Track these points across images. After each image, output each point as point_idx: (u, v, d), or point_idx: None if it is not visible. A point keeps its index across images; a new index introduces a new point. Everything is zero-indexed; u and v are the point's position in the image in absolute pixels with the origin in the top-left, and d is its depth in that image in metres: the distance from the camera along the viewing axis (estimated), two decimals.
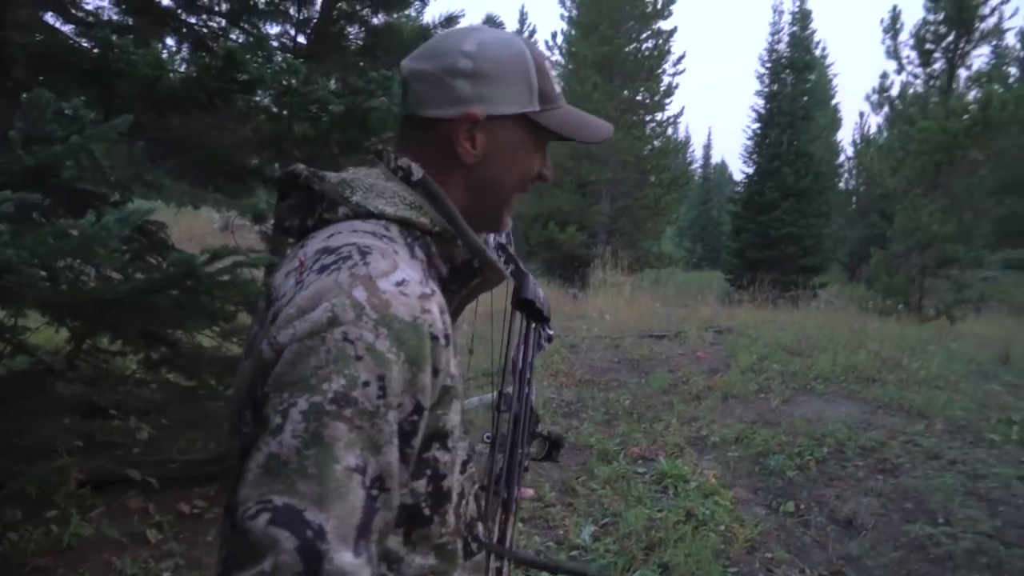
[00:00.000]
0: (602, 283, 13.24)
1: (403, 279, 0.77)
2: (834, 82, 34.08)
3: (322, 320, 0.72)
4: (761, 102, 23.32)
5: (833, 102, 33.84)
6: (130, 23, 3.85)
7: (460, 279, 0.91)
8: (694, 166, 43.40)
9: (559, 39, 23.28)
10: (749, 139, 23.65)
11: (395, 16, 3.69)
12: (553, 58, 23.75)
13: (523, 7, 31.16)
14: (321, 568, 0.65)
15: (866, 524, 3.68)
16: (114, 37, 2.16)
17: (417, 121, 0.90)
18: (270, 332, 0.75)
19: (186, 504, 3.35)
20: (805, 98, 22.23)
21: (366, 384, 0.70)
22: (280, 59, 2.26)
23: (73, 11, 3.56)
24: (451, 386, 0.83)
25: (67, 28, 2.90)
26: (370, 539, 0.71)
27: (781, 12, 24.53)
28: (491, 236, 1.14)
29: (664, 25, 20.96)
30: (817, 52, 28.16)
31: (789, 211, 20.53)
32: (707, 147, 51.55)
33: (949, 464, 4.54)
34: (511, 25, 27.66)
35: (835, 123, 33.37)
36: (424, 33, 3.77)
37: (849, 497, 4.02)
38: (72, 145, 1.79)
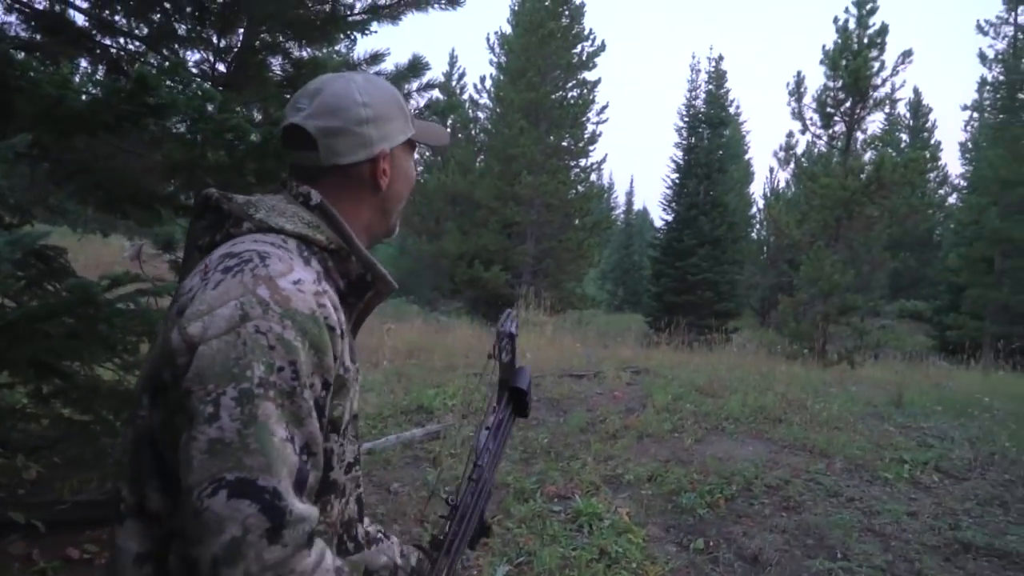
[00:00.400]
0: (524, 322, 13.34)
1: (299, 279, 0.89)
2: (747, 138, 36.32)
3: (234, 316, 0.83)
4: (680, 153, 24.48)
5: (746, 156, 35.94)
6: (39, 40, 3.71)
7: (356, 292, 1.03)
8: (617, 211, 44.84)
9: (488, 83, 23.85)
10: (669, 188, 24.74)
11: (321, 51, 3.70)
12: (481, 101, 24.31)
13: (453, 49, 31.67)
14: (284, 519, 0.78)
15: (771, 560, 3.80)
16: (20, 55, 2.08)
17: (330, 168, 1.03)
18: (180, 322, 0.85)
19: (75, 549, 3.12)
20: (720, 152, 23.47)
21: (280, 369, 0.82)
22: (195, 85, 2.23)
23: None
24: (345, 377, 0.95)
25: None
26: (307, 495, 0.84)
27: (698, 71, 25.91)
28: (509, 324, 1.32)
29: (589, 76, 21.84)
30: (732, 109, 29.93)
31: (705, 258, 21.43)
32: (629, 194, 53.26)
33: (847, 501, 4.76)
34: (441, 67, 28.11)
35: (748, 176, 35.38)
36: (349, 68, 3.79)
37: (755, 534, 4.14)
38: None
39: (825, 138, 16.70)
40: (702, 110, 24.46)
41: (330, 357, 0.89)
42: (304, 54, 3.95)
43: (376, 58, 4.17)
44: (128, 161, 2.72)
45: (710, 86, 25.32)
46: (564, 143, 21.55)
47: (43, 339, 2.01)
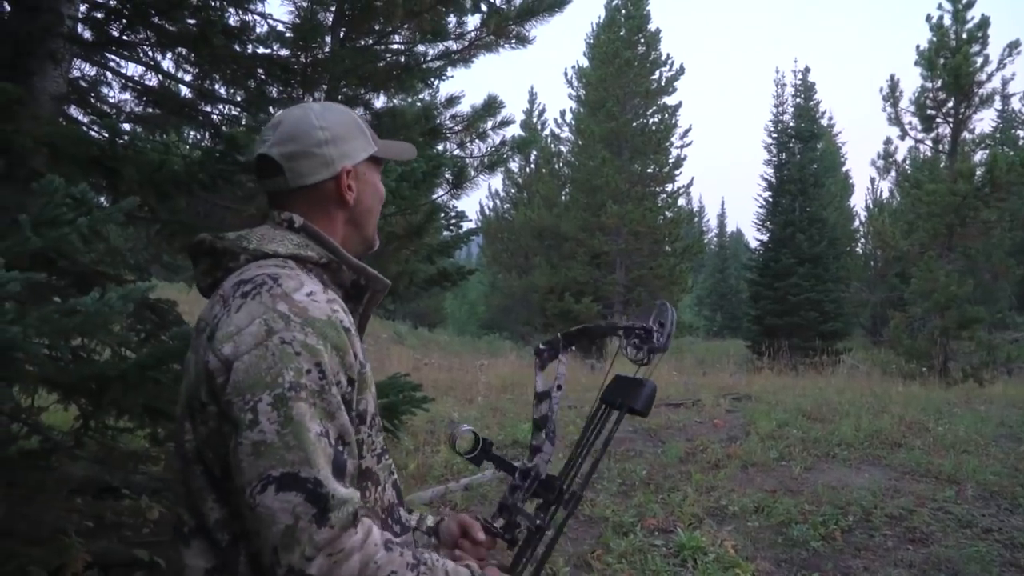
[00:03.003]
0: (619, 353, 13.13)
1: (311, 291, 0.99)
2: (843, 149, 34.58)
3: (260, 332, 0.92)
4: (771, 171, 23.65)
5: (844, 168, 34.23)
6: (150, 113, 4.07)
7: (354, 297, 1.12)
8: (709, 235, 43.81)
9: (568, 116, 24.07)
10: (761, 207, 23.87)
11: (397, 100, 3.86)
12: (563, 135, 24.52)
13: (532, 87, 32.23)
14: (328, 503, 0.87)
15: None
16: (127, 127, 2.28)
17: (298, 190, 1.11)
18: (213, 346, 0.94)
19: None
20: (814, 166, 22.51)
21: (308, 371, 0.91)
22: None
23: (96, 103, 3.79)
24: (364, 373, 1.04)
25: (85, 119, 3.08)
26: (347, 480, 0.93)
27: (783, 85, 25.09)
28: (653, 319, 1.37)
29: (669, 100, 21.64)
30: (824, 121, 28.74)
31: (806, 276, 20.44)
32: (721, 216, 51.82)
33: (983, 532, 4.34)
34: (521, 105, 28.65)
35: (847, 189, 33.66)
36: (427, 114, 3.93)
37: (878, 568, 3.84)
38: (79, 227, 1.87)
39: (928, 142, 15.71)
40: (791, 125, 23.61)
41: (351, 355, 0.98)
42: (385, 103, 4.15)
43: (452, 101, 4.32)
44: (225, 217, 2.93)
45: (798, 99, 24.42)
46: (649, 170, 21.34)
47: (154, 386, 2.17)
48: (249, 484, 0.87)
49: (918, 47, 15.32)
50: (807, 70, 24.59)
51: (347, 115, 1.17)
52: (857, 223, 31.44)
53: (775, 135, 24.18)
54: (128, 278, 3.55)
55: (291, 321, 0.93)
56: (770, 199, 23.24)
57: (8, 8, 3.15)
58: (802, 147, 22.61)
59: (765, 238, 23.12)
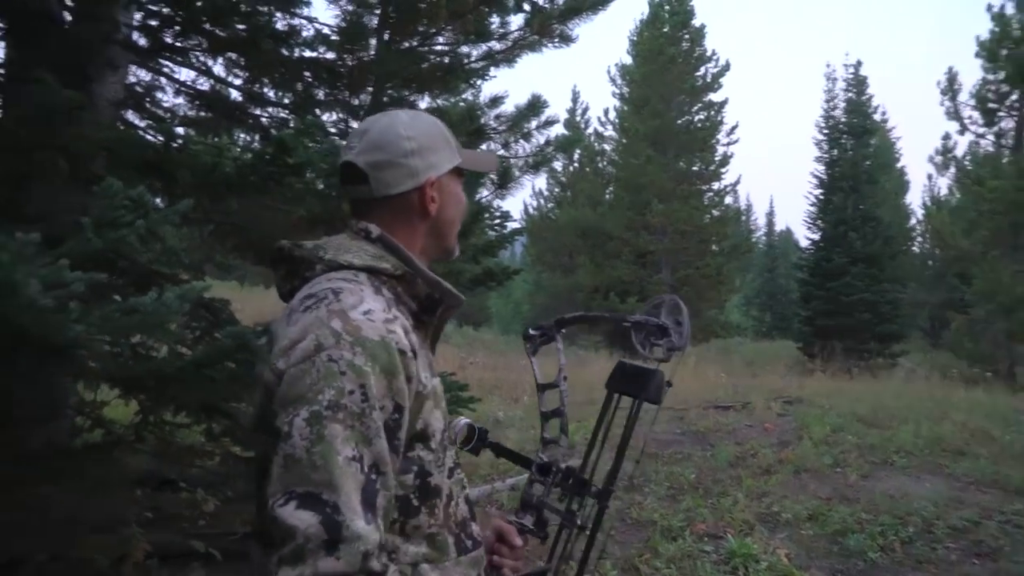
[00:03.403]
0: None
1: (369, 309, 0.97)
2: (898, 145, 33.42)
3: (310, 347, 0.91)
4: (821, 167, 23.02)
5: (899, 165, 33.10)
6: (202, 116, 4.18)
7: (427, 310, 1.09)
8: (757, 234, 42.83)
9: (611, 115, 23.86)
10: (812, 205, 23.24)
11: (442, 101, 3.87)
12: (607, 133, 24.34)
13: (575, 86, 32.12)
14: (340, 534, 0.83)
15: None
16: (180, 130, 2.33)
17: (382, 200, 1.10)
18: (270, 359, 0.95)
19: None
20: (868, 162, 21.81)
21: (351, 392, 0.89)
22: (329, 143, 2.41)
23: (152, 107, 3.90)
24: (423, 393, 1.01)
25: (141, 123, 3.17)
26: (376, 513, 0.88)
27: (834, 79, 24.38)
28: (664, 314, 1.39)
29: (715, 97, 21.27)
30: (877, 116, 27.84)
31: (860, 276, 19.80)
32: (770, 214, 50.72)
33: None
34: (564, 104, 28.50)
35: (903, 186, 32.53)
36: (471, 115, 3.92)
37: None
38: (137, 228, 1.92)
39: (990, 136, 15.08)
40: (842, 120, 22.93)
41: (401, 379, 0.94)
42: (429, 104, 4.16)
43: (496, 101, 4.30)
44: (275, 218, 2.98)
45: (849, 94, 23.69)
46: (694, 168, 21.03)
47: (209, 383, 2.21)
48: (274, 495, 0.86)
49: (979, 38, 14.73)
50: (859, 64, 23.83)
51: (434, 126, 1.16)
52: (914, 221, 30.38)
53: (826, 131, 23.54)
54: (183, 277, 3.65)
55: (342, 339, 0.92)
56: (821, 196, 22.60)
57: (69, 18, 3.27)
58: (854, 143, 21.93)
59: (816, 237, 22.49)
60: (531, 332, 1.42)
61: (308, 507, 0.83)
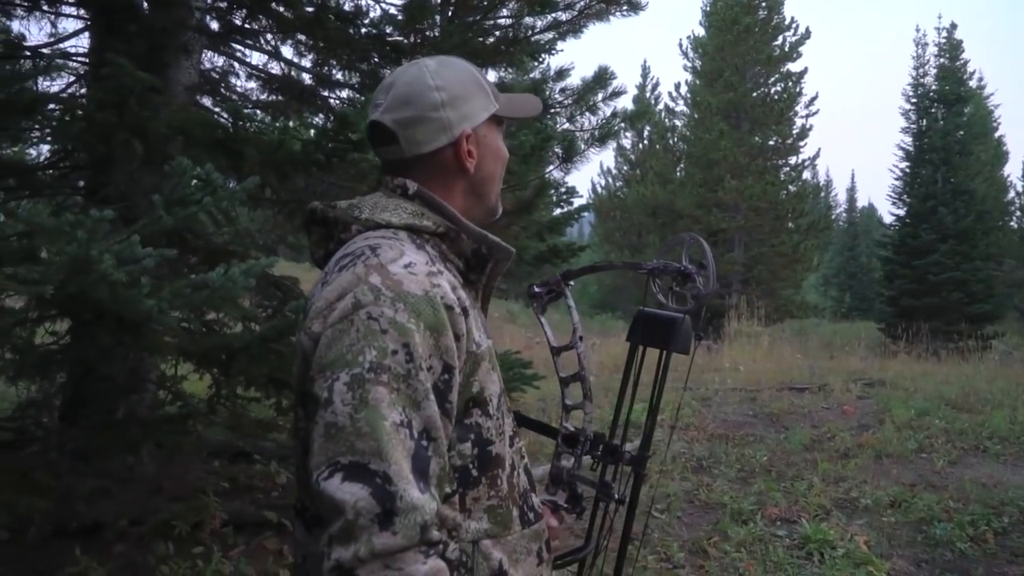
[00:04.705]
0: (737, 334, 12.61)
1: (410, 262, 0.89)
2: (996, 113, 31.15)
3: (347, 306, 0.84)
4: (908, 139, 21.72)
5: (997, 134, 30.89)
6: (274, 100, 4.28)
7: (476, 268, 1.01)
8: (837, 210, 41.02)
9: (683, 89, 23.20)
10: (897, 179, 21.96)
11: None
12: (678, 108, 23.69)
13: (645, 61, 31.35)
14: (395, 505, 0.76)
15: None
16: (249, 111, 2.38)
17: (414, 159, 1.01)
18: (305, 325, 0.88)
19: None
20: (960, 132, 20.43)
21: (395, 352, 0.82)
22: None
23: (225, 92, 4.02)
24: (477, 353, 0.94)
25: (216, 108, 3.27)
26: (430, 482, 0.82)
27: (925, 44, 22.88)
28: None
29: (793, 67, 20.35)
30: (972, 83, 26.05)
31: (949, 254, 18.67)
32: (851, 190, 48.17)
33: None
34: (634, 79, 27.90)
35: (1000, 157, 30.37)
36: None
37: None
38: (206, 205, 1.97)
39: None
40: (933, 88, 21.52)
41: (449, 337, 0.87)
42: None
43: (562, 74, 4.24)
44: (340, 196, 3.01)
45: (941, 60, 22.20)
46: (770, 142, 20.22)
47: (276, 358, 2.26)
48: (318, 468, 0.79)
49: None
50: (953, 27, 22.30)
51: (466, 71, 1.04)
52: (1012, 194, 28.36)
53: (914, 100, 22.13)
54: (255, 256, 3.77)
55: (381, 295, 0.84)
56: (908, 170, 21.34)
57: (146, 6, 3.38)
58: (946, 112, 20.54)
59: (902, 212, 21.28)
60: (536, 289, 1.30)
61: (356, 479, 0.77)
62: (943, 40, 22.21)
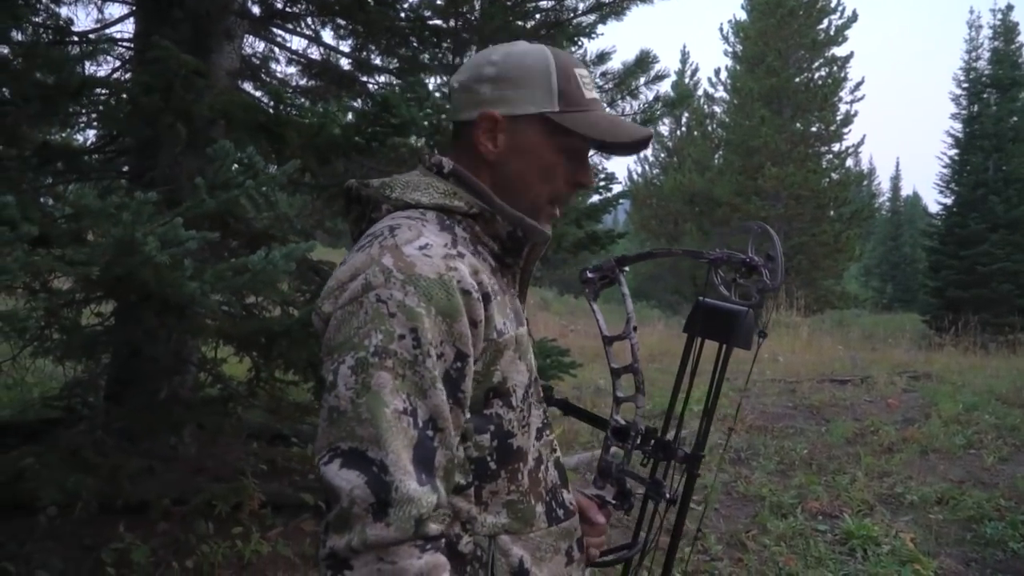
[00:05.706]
0: (776, 324, 12.38)
1: (426, 243, 0.85)
2: None
3: (358, 288, 0.82)
4: (958, 126, 20.96)
5: None
6: (313, 85, 4.29)
7: (511, 251, 0.96)
8: (880, 199, 39.89)
9: (723, 75, 22.77)
10: (945, 167, 21.25)
11: None
12: (717, 95, 23.24)
13: (684, 46, 30.83)
14: (389, 496, 0.74)
15: None
16: (291, 95, 2.37)
17: (455, 129, 0.99)
18: (317, 304, 0.86)
19: None
20: (1014, 118, 19.65)
21: (402, 337, 0.79)
22: (431, 101, 2.38)
23: (267, 78, 4.04)
24: (499, 341, 0.89)
25: (257, 92, 3.29)
26: (434, 474, 0.79)
27: (979, 27, 22.00)
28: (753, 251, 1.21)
29: (839, 51, 19.80)
30: None
31: (1000, 244, 18.03)
32: (895, 178, 46.83)
33: None
34: (673, 65, 27.46)
35: None
36: None
37: None
38: (247, 188, 1.97)
39: None
40: (986, 72, 20.71)
41: (464, 323, 0.83)
42: None
43: (603, 58, 4.16)
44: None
45: (996, 43, 21.33)
46: (813, 128, 19.73)
47: (315, 341, 2.26)
48: (319, 451, 0.78)
49: None
50: (1009, 8, 21.36)
51: (540, 61, 0.95)
52: None
53: (966, 84, 21.34)
54: (294, 240, 3.79)
55: (392, 277, 0.81)
56: (957, 157, 20.64)
57: None
58: (999, 97, 19.78)
59: (949, 201, 20.61)
60: (589, 275, 1.22)
61: (353, 466, 0.75)
62: (998, 22, 21.30)
